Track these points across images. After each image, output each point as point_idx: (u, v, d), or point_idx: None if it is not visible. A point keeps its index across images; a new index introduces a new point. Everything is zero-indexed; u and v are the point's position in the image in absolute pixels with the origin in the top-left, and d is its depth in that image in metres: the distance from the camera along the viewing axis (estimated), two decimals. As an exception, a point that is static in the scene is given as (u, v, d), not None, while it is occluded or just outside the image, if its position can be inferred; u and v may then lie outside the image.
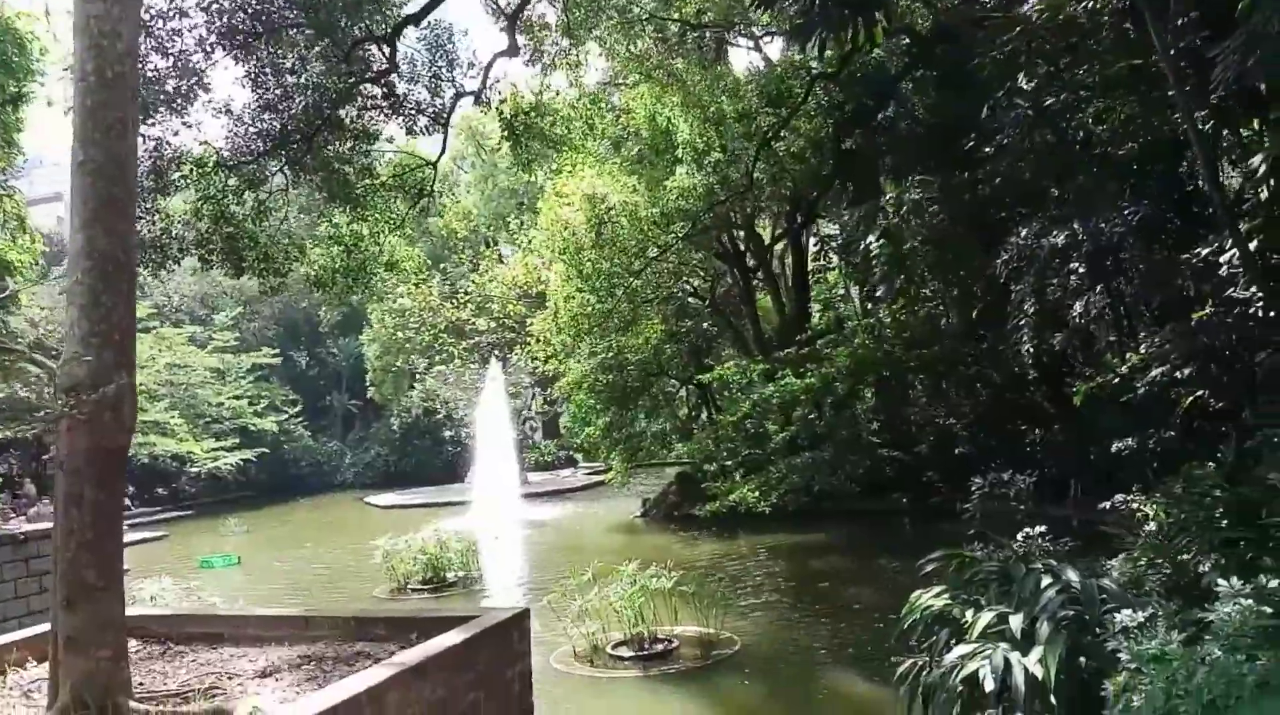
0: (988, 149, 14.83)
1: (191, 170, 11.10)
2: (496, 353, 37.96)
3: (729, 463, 21.03)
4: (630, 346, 24.33)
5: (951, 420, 18.14)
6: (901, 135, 16.20)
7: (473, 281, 24.10)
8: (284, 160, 11.33)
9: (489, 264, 29.03)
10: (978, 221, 15.29)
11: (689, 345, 24.95)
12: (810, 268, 29.40)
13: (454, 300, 28.90)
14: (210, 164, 11.24)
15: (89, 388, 5.62)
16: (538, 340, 24.53)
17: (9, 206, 19.95)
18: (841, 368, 17.39)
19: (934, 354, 17.24)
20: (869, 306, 27.45)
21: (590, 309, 17.35)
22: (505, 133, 13.06)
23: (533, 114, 13.00)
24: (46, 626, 6.98)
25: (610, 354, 19.97)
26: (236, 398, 46.63)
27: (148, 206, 11.06)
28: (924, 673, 7.94)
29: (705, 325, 26.11)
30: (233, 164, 11.26)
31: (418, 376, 49.19)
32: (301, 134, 11.22)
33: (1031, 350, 14.13)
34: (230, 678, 6.74)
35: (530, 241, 22.36)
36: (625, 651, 13.10)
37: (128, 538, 31.24)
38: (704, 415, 29.59)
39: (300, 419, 50.36)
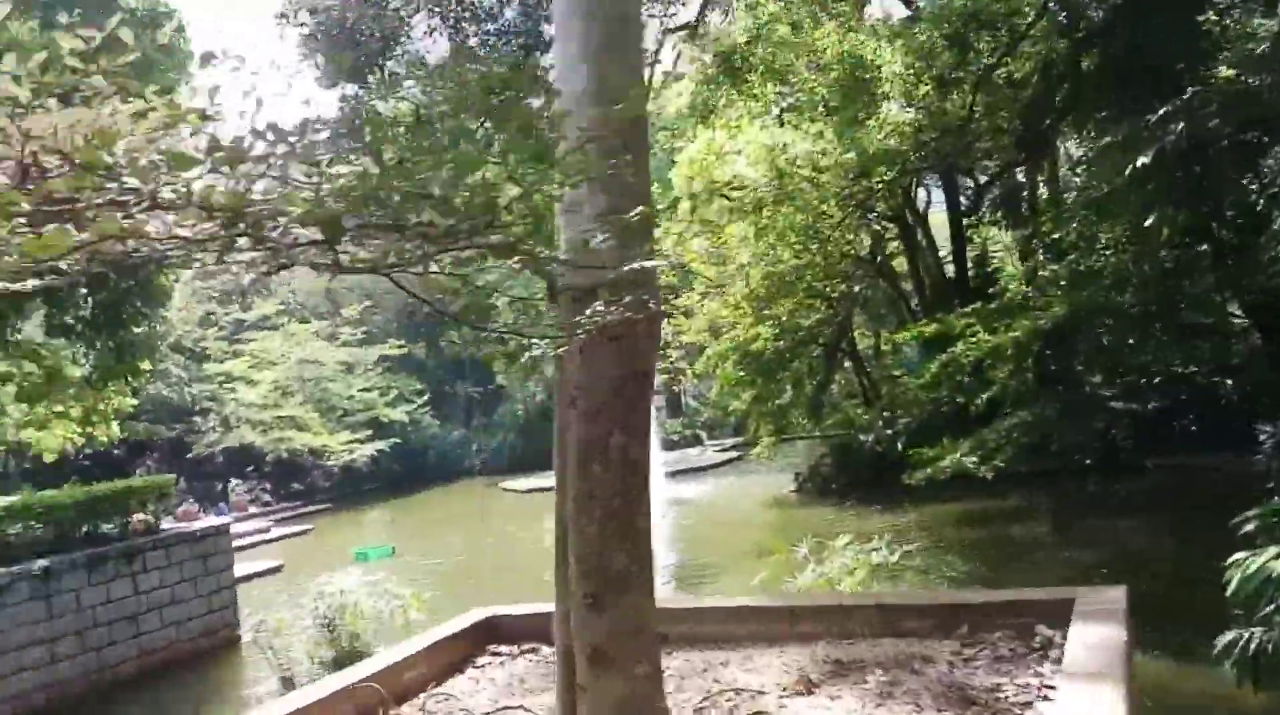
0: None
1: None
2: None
3: (913, 428, 19.64)
4: (784, 311, 23.21)
5: (1193, 369, 16.46)
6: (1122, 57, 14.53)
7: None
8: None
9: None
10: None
11: (842, 309, 23.56)
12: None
13: None
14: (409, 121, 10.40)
15: (613, 287, 3.73)
16: (702, 307, 23.39)
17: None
18: (1055, 317, 15.87)
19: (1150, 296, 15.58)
20: (1039, 258, 25.68)
21: (781, 268, 16.17)
22: (722, 67, 11.94)
23: (752, 45, 11.82)
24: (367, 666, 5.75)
25: (786, 318, 18.72)
26: (366, 390, 46.88)
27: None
28: (1260, 644, 6.80)
29: (857, 288, 24.71)
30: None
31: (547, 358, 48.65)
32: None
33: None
34: (758, 694, 4.93)
35: (678, 208, 21.25)
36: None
37: (276, 532, 31.55)
38: (859, 383, 28.27)
39: (426, 409, 50.46)
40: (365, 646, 13.44)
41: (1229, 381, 16.07)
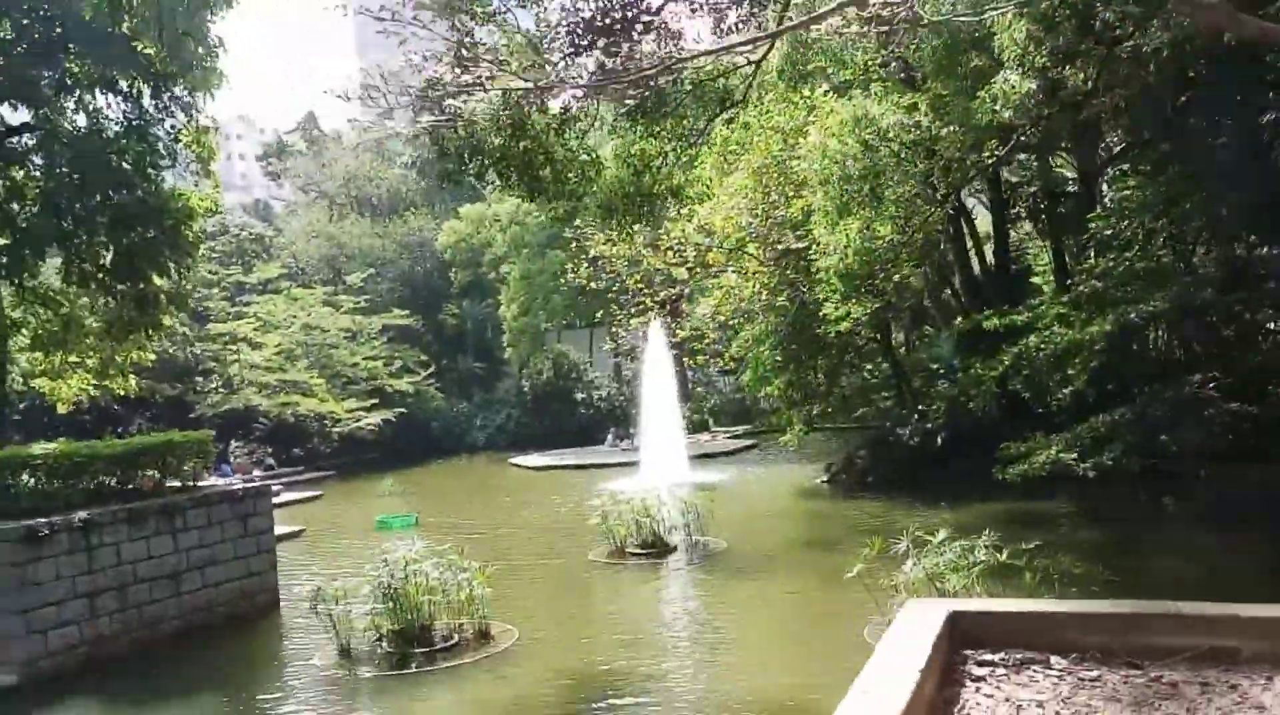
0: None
1: (493, 66, 9.54)
2: (659, 309, 36.37)
3: (954, 424, 18.97)
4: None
5: None
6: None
7: (674, 226, 22.53)
8: (595, 58, 9.72)
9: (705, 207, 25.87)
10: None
11: (897, 296, 22.90)
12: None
13: (656, 246, 27.36)
14: (513, 61, 9.68)
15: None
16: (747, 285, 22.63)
17: (204, 144, 18.80)
18: (1147, 310, 15.27)
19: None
20: (1080, 255, 25.17)
21: (878, 243, 15.47)
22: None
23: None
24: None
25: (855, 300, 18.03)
26: (370, 358, 46.07)
27: (449, 103, 9.57)
28: None
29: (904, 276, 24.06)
30: (533, 66, 9.70)
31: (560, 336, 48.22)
32: (609, 30, 9.62)
33: None
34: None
35: (725, 185, 20.55)
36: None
37: (286, 497, 30.71)
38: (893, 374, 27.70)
39: (431, 381, 49.68)
40: (426, 619, 12.81)
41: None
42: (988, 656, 4.42)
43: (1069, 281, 23.31)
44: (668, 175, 11.39)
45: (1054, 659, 4.40)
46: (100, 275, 20.47)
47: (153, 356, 25.20)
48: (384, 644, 12.60)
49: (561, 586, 16.70)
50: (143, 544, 14.02)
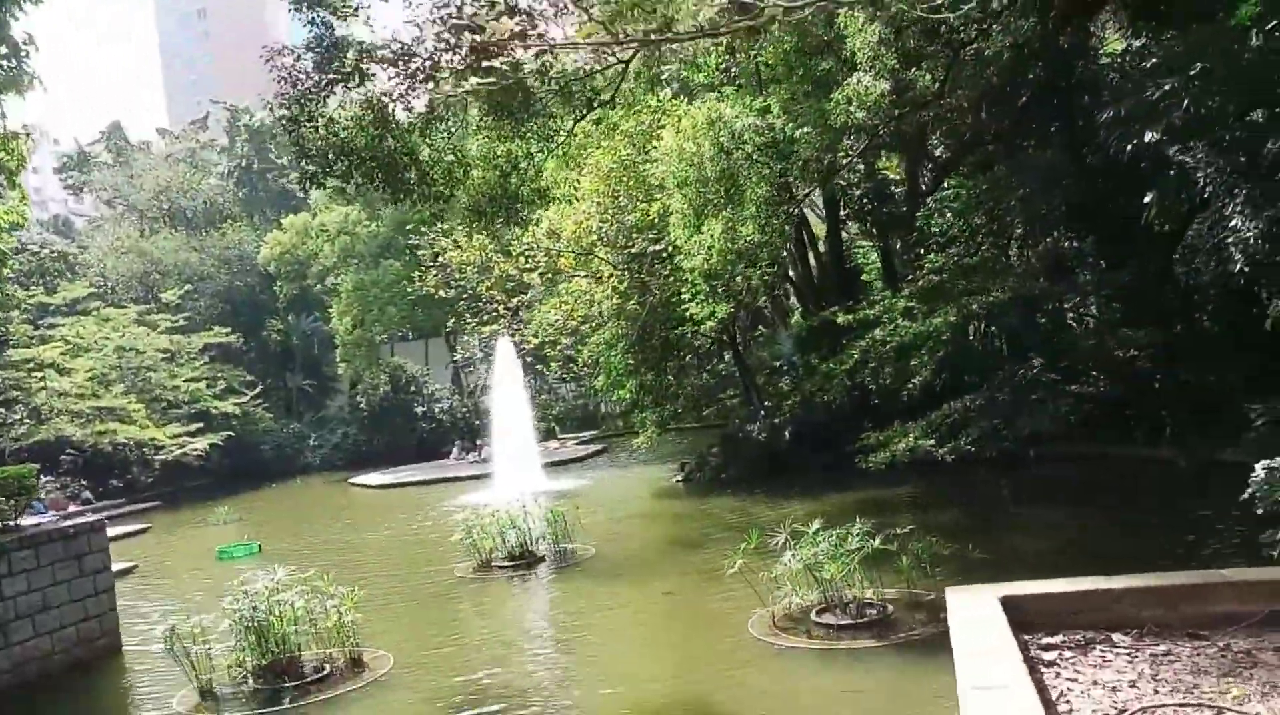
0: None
1: (356, 65, 9.05)
2: (507, 317, 35.69)
3: (799, 419, 19.44)
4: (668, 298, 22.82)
5: (1134, 352, 17.04)
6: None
7: (523, 233, 22.02)
8: (458, 59, 9.35)
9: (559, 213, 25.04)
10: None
11: (749, 297, 23.29)
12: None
13: (507, 253, 26.59)
14: (378, 55, 9.21)
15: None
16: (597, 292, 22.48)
17: (12, 153, 17.13)
18: (990, 302, 16.04)
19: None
20: (908, 254, 26.29)
21: (740, 245, 15.54)
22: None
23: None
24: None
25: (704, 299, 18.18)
26: (192, 380, 43.55)
27: (309, 108, 9.03)
28: None
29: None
30: (403, 56, 9.23)
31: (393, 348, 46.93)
32: (475, 25, 9.32)
33: (1246, 269, 13.03)
34: None
35: (577, 189, 20.37)
36: (831, 619, 11.62)
37: (111, 532, 28.57)
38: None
39: (258, 401, 47.41)
40: (294, 650, 12.08)
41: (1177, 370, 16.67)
42: (1048, 639, 4.43)
43: (899, 279, 24.38)
44: (534, 177, 11.16)
45: (1116, 636, 4.43)
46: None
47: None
48: (250, 681, 11.82)
49: (429, 605, 16.12)
50: (-37, 593, 12.70)
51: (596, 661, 12.22)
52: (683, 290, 19.19)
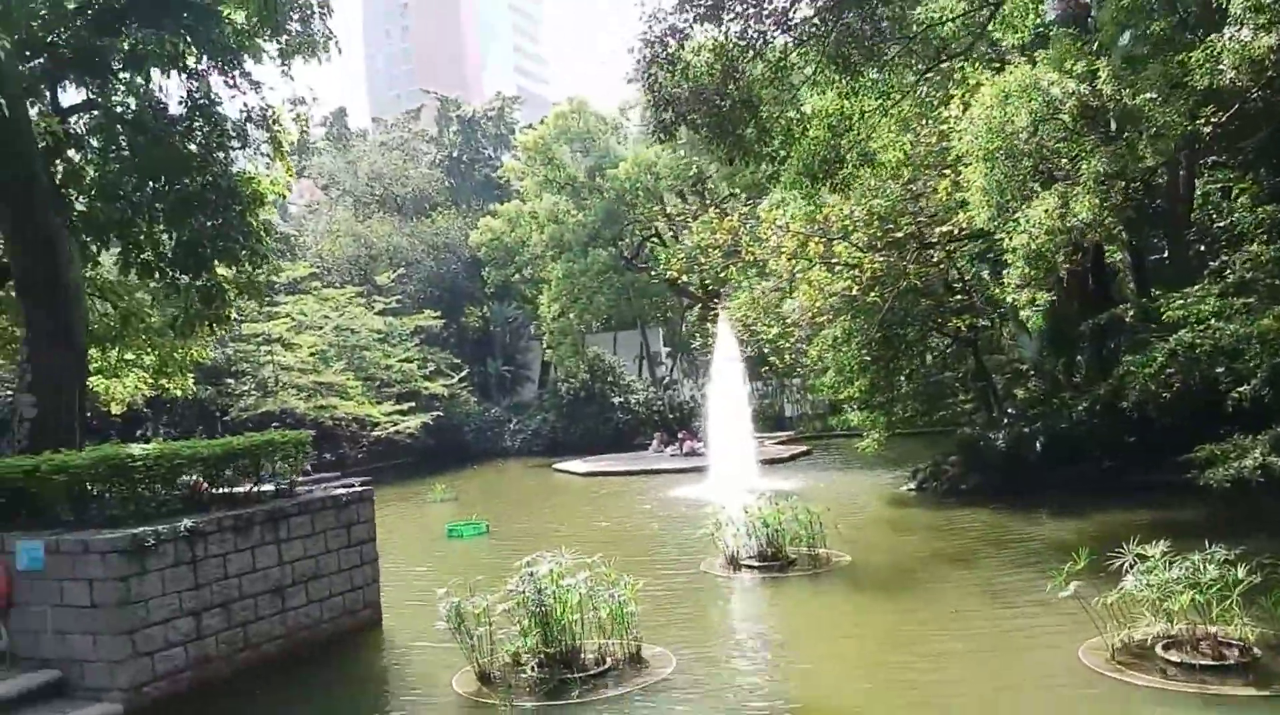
0: None
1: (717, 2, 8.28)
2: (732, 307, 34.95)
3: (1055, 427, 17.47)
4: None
5: None
6: None
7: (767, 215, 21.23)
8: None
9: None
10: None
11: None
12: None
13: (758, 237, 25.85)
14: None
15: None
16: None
17: (281, 123, 17.40)
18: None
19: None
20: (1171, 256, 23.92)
21: (1073, 221, 14.23)
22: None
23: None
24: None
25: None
26: (404, 361, 44.79)
27: (668, 49, 8.32)
28: None
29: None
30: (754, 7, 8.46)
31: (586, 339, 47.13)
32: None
33: None
34: None
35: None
36: (1180, 656, 10.11)
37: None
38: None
39: (465, 384, 48.42)
40: (574, 640, 11.47)
41: None
42: None
43: (1149, 282, 22.16)
44: (865, 138, 10.11)
45: None
46: (163, 265, 19.06)
47: (212, 354, 23.88)
48: (531, 669, 11.26)
49: (690, 601, 15.33)
50: (248, 555, 12.70)
51: (916, 686, 10.87)
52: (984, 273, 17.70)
